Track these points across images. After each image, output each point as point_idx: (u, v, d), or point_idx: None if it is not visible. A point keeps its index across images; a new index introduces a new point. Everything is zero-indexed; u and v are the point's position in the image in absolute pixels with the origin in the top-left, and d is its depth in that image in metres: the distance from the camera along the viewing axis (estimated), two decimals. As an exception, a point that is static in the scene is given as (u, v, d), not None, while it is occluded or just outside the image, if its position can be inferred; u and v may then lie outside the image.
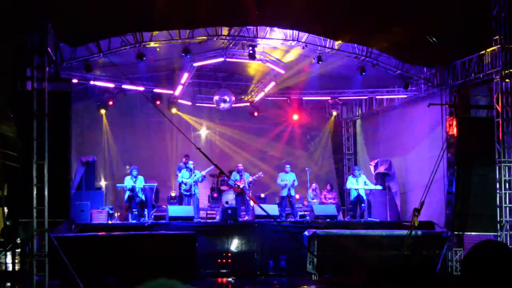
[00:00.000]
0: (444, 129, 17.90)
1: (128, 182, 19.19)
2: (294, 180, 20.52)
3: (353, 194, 20.72)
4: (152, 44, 17.38)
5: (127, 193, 19.26)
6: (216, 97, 22.85)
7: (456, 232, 17.12)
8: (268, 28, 17.80)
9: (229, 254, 17.46)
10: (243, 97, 24.15)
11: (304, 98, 24.31)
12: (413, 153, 21.02)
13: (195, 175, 19.73)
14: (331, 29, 17.25)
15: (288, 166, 20.93)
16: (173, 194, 21.47)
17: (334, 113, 25.05)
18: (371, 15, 16.30)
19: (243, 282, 16.57)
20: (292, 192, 20.58)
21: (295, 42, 18.11)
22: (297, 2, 15.78)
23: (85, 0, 14.95)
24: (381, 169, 21.22)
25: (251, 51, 18.42)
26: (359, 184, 20.48)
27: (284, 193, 20.48)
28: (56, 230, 15.07)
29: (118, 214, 20.65)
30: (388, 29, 16.71)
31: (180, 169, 21.01)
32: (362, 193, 20.49)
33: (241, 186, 19.95)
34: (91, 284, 14.15)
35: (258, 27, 17.71)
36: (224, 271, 17.29)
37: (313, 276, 16.69)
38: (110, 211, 19.30)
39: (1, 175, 13.15)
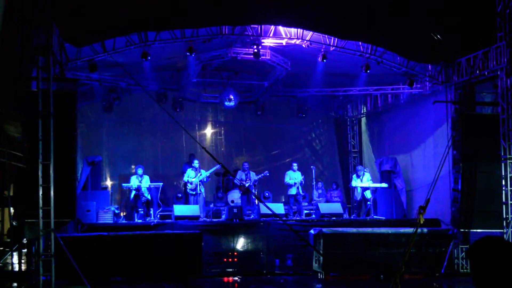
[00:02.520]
0: (449, 126, 17.90)
1: (133, 181, 19.22)
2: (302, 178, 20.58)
3: (358, 193, 20.76)
4: (156, 44, 17.40)
5: (133, 193, 19.28)
6: (221, 96, 22.86)
7: (462, 229, 17.11)
8: (272, 26, 17.80)
9: (235, 253, 17.47)
10: (248, 95, 24.16)
11: (309, 95, 24.35)
12: (418, 151, 21.00)
13: (200, 175, 19.74)
14: (338, 28, 17.24)
15: (295, 164, 20.94)
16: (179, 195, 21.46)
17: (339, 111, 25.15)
18: (377, 13, 16.31)
19: (249, 281, 16.56)
20: (301, 191, 20.62)
21: (300, 40, 18.10)
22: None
23: (89, 0, 14.99)
24: (387, 167, 21.22)
25: (255, 50, 18.43)
26: (363, 183, 20.52)
27: (293, 191, 20.53)
28: (62, 230, 15.11)
29: (124, 213, 20.67)
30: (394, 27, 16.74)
31: (185, 169, 21.03)
32: (367, 192, 20.52)
33: (247, 185, 19.96)
34: (97, 284, 14.20)
35: (263, 26, 17.74)
36: (230, 270, 17.29)
37: (319, 274, 16.70)
38: (116, 211, 19.32)
39: (7, 176, 13.19)
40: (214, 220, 19.29)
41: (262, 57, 19.01)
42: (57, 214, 13.61)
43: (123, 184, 20.05)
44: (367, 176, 20.66)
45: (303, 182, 20.61)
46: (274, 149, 25.30)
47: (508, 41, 15.46)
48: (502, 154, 15.79)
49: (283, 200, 22.35)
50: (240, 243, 17.65)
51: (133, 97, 22.47)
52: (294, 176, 20.60)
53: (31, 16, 13.57)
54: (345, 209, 21.42)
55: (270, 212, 16.86)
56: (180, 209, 18.52)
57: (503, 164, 15.77)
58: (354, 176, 21.28)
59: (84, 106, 21.06)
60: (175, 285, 15.38)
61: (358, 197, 20.79)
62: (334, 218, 18.95)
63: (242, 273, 17.10)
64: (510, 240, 15.00)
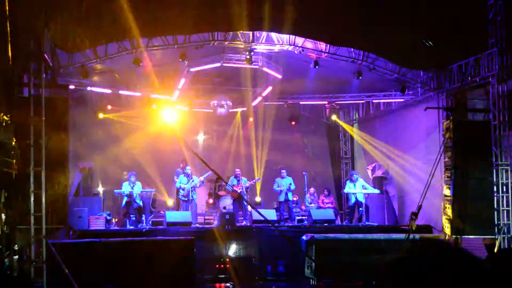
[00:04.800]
0: (441, 133, 17.91)
1: (125, 188, 19.18)
2: (290, 184, 20.53)
3: (352, 199, 20.71)
4: (148, 50, 17.38)
5: (125, 199, 19.24)
6: (213, 102, 22.85)
7: (453, 236, 17.11)
8: (264, 33, 17.80)
9: (227, 260, 17.44)
10: (240, 102, 24.14)
11: (301, 102, 24.37)
12: (410, 157, 21.01)
13: (193, 181, 19.71)
14: (331, 34, 17.27)
15: (284, 171, 20.94)
16: (171, 203, 21.34)
17: (332, 118, 25.16)
18: (371, 20, 16.34)
19: (242, 288, 16.57)
20: (290, 197, 20.59)
21: (292, 46, 18.11)
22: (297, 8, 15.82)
23: (81, 6, 14.94)
24: (379, 173, 21.24)
25: (248, 56, 18.42)
26: (357, 188, 20.49)
27: (281, 198, 20.54)
28: (54, 237, 15.04)
29: (116, 220, 20.61)
30: (387, 33, 16.77)
31: (177, 175, 21.00)
32: (361, 198, 20.49)
33: (239, 191, 19.95)
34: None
35: (255, 32, 17.73)
36: (222, 276, 17.27)
37: (311, 280, 16.69)
38: (108, 217, 19.27)
39: (-1, 182, 13.10)
40: (206, 226, 19.27)
41: (254, 63, 19.01)
42: (49, 220, 13.54)
43: (115, 191, 20.01)
44: (360, 181, 20.61)
45: (291, 188, 20.59)
46: (266, 155, 25.26)
47: (500, 48, 15.49)
48: (494, 160, 15.80)
49: (275, 206, 22.35)
50: (232, 250, 17.63)
51: (125, 103, 22.41)
52: (281, 183, 20.60)
53: (23, 22, 13.51)
54: (337, 215, 21.42)
55: (262, 218, 16.86)
56: (172, 216, 18.48)
57: (494, 171, 15.78)
58: (348, 181, 21.25)
59: (76, 112, 20.97)
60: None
61: (352, 200, 20.65)
62: (326, 224, 18.95)
63: (234, 279, 17.07)
64: (502, 247, 15.03)
